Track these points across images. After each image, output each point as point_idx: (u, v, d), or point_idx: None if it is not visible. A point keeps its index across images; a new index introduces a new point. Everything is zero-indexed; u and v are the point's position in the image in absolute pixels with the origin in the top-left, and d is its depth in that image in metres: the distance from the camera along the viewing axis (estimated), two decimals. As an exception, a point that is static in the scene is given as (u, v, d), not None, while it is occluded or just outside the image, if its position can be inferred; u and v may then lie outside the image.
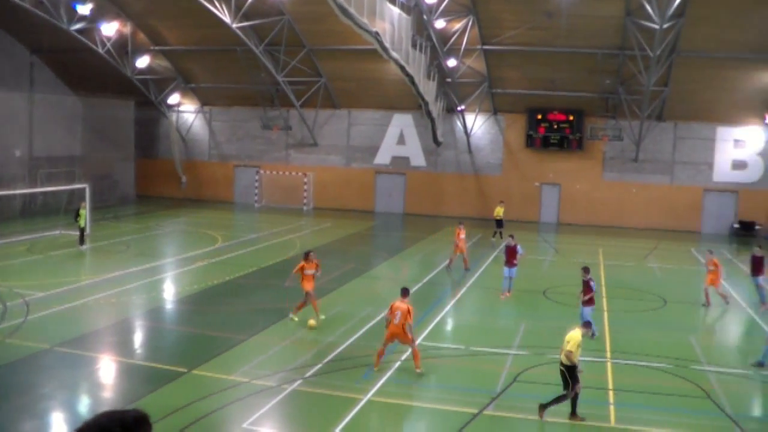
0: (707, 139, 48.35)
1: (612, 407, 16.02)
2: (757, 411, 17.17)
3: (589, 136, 47.98)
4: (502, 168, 50.41)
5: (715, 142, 48.35)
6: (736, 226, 48.08)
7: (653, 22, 34.37)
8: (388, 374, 17.34)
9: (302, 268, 21.79)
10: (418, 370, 17.40)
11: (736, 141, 48.16)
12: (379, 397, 16.01)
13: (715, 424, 15.37)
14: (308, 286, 21.67)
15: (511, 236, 27.33)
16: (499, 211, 40.59)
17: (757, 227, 47.50)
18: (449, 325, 23.12)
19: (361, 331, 20.94)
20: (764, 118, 47.33)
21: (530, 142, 49.01)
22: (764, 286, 25.73)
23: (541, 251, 39.35)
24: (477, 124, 49.84)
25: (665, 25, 33.98)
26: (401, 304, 17.49)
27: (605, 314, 24.49)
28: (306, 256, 22.19)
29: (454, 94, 47.18)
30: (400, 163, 51.89)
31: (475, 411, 15.21)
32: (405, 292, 17.93)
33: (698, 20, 37.82)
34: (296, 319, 21.75)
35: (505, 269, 26.69)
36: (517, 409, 15.59)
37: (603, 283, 29.41)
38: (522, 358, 19.03)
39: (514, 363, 18.65)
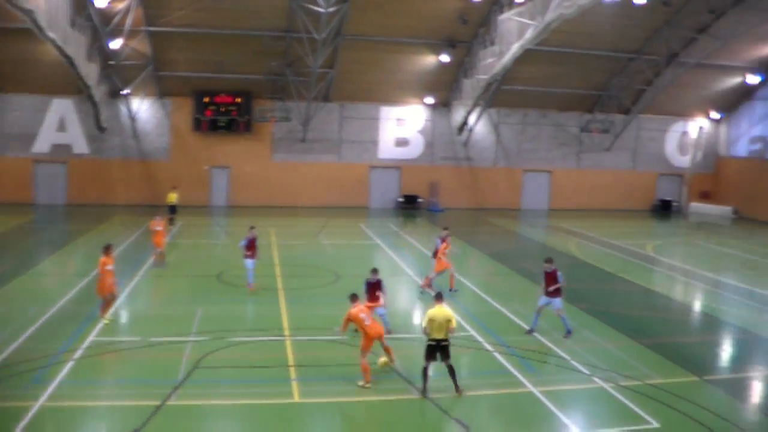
0: (372, 118, 50.97)
1: (295, 383, 16.23)
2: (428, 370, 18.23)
3: (258, 118, 48.32)
4: (170, 153, 49.17)
5: (379, 121, 51.23)
6: (401, 200, 51.19)
7: (319, 6, 35.21)
8: (61, 376, 16.11)
9: (104, 265, 20.69)
10: (393, 364, 17.08)
11: (399, 120, 51.50)
12: (54, 401, 14.79)
13: (392, 387, 16.22)
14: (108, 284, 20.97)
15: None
16: (172, 197, 39.66)
17: (419, 200, 51.02)
18: (124, 318, 22.03)
19: (27, 333, 19.30)
20: (423, 98, 50.74)
21: (198, 125, 48.28)
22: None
23: (214, 235, 39.14)
24: (143, 108, 48.13)
25: (330, 9, 34.97)
26: (359, 307, 16.73)
27: (281, 293, 24.84)
28: (106, 250, 21.10)
29: (118, 77, 45.14)
30: (61, 151, 48.58)
31: (159, 403, 14.65)
32: (354, 298, 17.04)
33: (362, 5, 39.61)
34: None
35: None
36: (202, 396, 15.26)
37: (277, 262, 29.83)
38: (201, 344, 18.66)
39: (194, 350, 18.23)
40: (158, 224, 28.71)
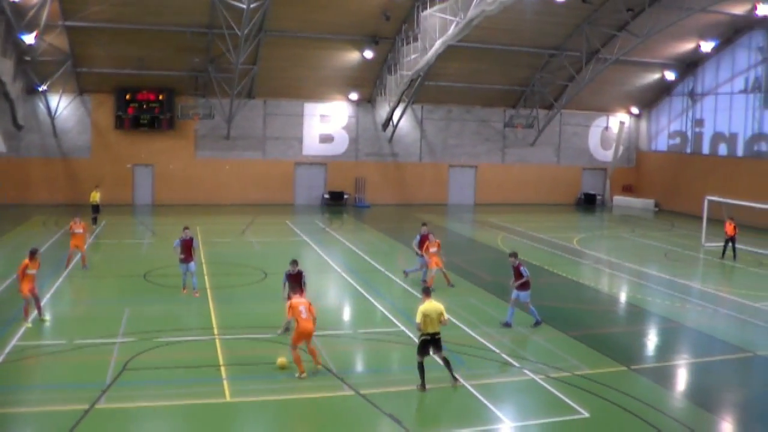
0: (296, 115, 50.89)
1: (225, 382, 16.11)
2: (359, 366, 18.39)
3: (180, 115, 47.67)
4: (92, 151, 48.10)
5: (304, 118, 51.14)
6: (327, 196, 51.17)
7: (240, 1, 34.85)
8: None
9: (25, 268, 20.09)
10: (319, 366, 16.99)
11: (323, 116, 51.46)
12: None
13: (324, 384, 16.18)
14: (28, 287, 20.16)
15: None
16: (95, 196, 38.75)
17: (345, 197, 51.13)
18: (48, 320, 21.53)
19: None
20: (348, 94, 50.80)
21: (120, 123, 47.36)
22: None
23: (139, 234, 38.51)
24: (62, 105, 46.96)
25: (252, 5, 34.63)
26: (301, 299, 17.08)
27: (209, 291, 24.62)
28: (32, 254, 20.38)
29: (35, 73, 43.97)
30: (-24, 150, 47.11)
31: (87, 406, 14.38)
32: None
33: (284, 1, 39.38)
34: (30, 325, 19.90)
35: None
36: (131, 398, 15.03)
37: (204, 261, 29.53)
38: (129, 345, 18.36)
39: (122, 351, 17.93)
40: (78, 226, 27.95)
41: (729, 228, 33.97)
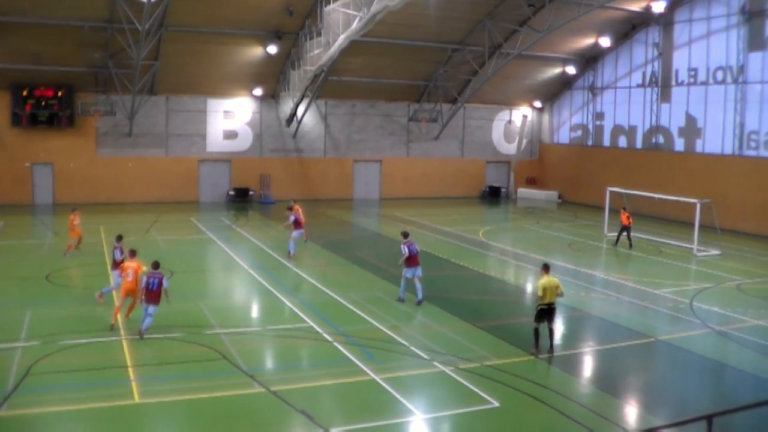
0: (199, 111, 50.24)
1: (134, 383, 15.93)
2: (269, 364, 18.42)
3: (80, 112, 46.45)
4: (-13, 149, 46.62)
5: (207, 114, 50.49)
6: (232, 193, 50.80)
7: (140, -4, 34.28)
8: None
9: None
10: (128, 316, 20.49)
11: (226, 112, 51.00)
12: None
13: (234, 382, 16.15)
14: None
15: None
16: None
17: (250, 193, 50.82)
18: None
19: None
20: (251, 90, 50.46)
21: (16, 120, 45.81)
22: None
23: (39, 235, 37.49)
24: (-47, 102, 45.29)
25: (153, 0, 34.07)
26: (131, 263, 20.25)
27: (114, 292, 24.09)
28: None
29: None
30: None
31: (-13, 414, 14.04)
32: (133, 253, 20.77)
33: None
34: None
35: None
36: (36, 404, 14.68)
37: (107, 260, 28.94)
38: (32, 350, 17.90)
39: (24, 356, 17.46)
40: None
41: (623, 218, 35.24)
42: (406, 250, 23.17)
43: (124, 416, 14.39)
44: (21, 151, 46.59)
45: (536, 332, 18.49)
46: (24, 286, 25.39)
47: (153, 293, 19.10)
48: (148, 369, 16.90)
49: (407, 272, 23.29)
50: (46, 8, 39.04)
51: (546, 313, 18.51)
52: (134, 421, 14.26)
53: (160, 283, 19.19)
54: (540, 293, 18.47)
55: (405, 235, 23.92)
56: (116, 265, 22.51)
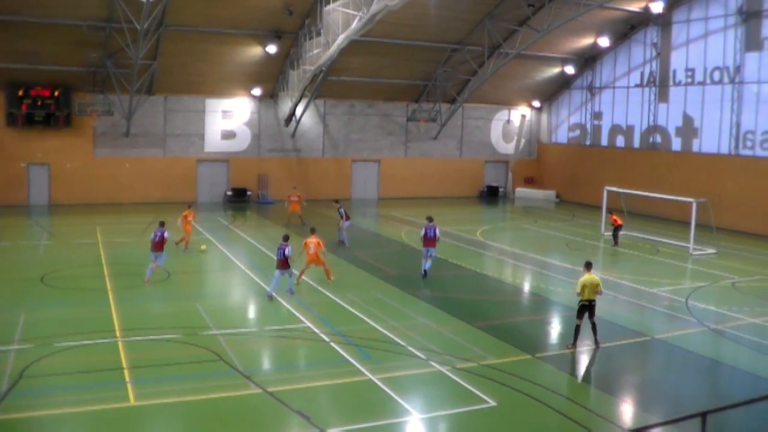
0: (197, 111, 50.13)
1: (129, 386, 15.85)
2: (266, 364, 18.36)
3: (78, 111, 46.33)
4: (-16, 150, 46.45)
5: (205, 114, 50.40)
6: (229, 193, 50.73)
7: (139, -6, 34.19)
8: None
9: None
10: (330, 279, 25.67)
11: (225, 112, 50.93)
12: None
13: (231, 383, 16.08)
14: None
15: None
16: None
17: (248, 193, 50.74)
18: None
19: None
20: (250, 90, 50.40)
21: (12, 120, 45.60)
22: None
23: (35, 236, 37.34)
24: (-50, 102, 45.10)
25: (151, -1, 34.02)
26: (312, 239, 25.27)
27: (110, 293, 24.10)
28: None
29: None
30: None
31: (-19, 419, 13.98)
32: (313, 231, 26.16)
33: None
34: None
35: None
36: (30, 407, 14.59)
37: (104, 261, 28.95)
38: (26, 352, 17.79)
39: (18, 358, 17.35)
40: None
41: (612, 220, 35.90)
42: (423, 231, 27.28)
43: (119, 419, 14.32)
44: (17, 151, 46.35)
45: (577, 328, 19.18)
46: (18, 288, 25.13)
47: (282, 261, 23.80)
48: (144, 371, 16.80)
49: (423, 250, 27.34)
50: (44, 7, 38.91)
51: (586, 308, 19.07)
52: (130, 423, 14.18)
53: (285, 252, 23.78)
54: (578, 290, 19.08)
55: (429, 219, 27.97)
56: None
